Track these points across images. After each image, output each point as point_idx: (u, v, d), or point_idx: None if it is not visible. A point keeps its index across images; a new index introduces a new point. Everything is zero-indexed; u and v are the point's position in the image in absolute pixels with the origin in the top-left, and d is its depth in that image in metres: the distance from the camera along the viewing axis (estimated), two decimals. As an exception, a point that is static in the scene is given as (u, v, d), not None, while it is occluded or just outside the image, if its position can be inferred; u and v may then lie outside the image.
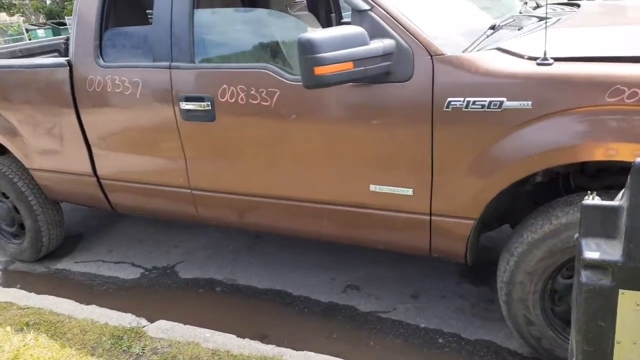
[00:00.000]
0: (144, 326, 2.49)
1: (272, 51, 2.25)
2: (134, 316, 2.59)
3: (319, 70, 1.66)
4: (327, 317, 2.53)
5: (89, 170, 2.78)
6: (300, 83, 1.84)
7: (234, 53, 2.34)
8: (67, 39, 4.08)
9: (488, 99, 1.70)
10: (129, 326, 2.48)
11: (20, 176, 3.07)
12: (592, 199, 1.25)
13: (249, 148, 2.24)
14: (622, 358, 1.26)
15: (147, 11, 2.88)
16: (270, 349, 2.25)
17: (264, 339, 2.38)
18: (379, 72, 1.79)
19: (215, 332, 2.40)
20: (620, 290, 1.23)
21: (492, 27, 1.97)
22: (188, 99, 2.28)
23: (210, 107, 2.23)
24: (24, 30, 19.84)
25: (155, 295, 2.87)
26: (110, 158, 2.69)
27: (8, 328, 2.52)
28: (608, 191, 1.65)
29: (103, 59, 2.54)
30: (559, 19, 2.27)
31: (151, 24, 2.43)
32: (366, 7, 1.87)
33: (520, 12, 2.38)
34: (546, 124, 1.64)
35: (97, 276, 3.12)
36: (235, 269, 3.03)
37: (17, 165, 3.08)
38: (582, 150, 1.61)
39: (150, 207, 2.77)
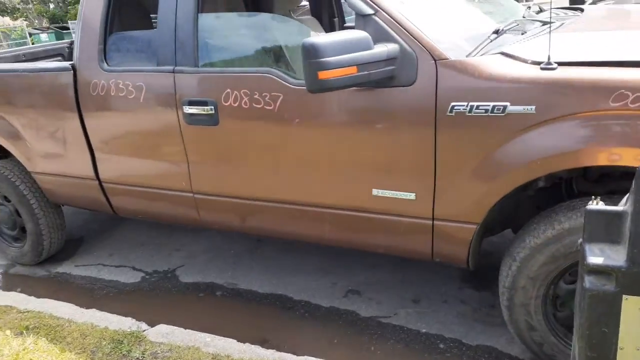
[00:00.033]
0: (144, 330, 2.48)
1: (275, 55, 2.25)
2: (134, 320, 2.58)
3: (323, 75, 1.66)
4: (328, 321, 2.52)
5: (92, 173, 2.78)
6: (304, 87, 1.84)
7: (237, 57, 2.35)
8: (71, 43, 4.09)
9: (492, 104, 1.70)
10: (129, 330, 2.48)
11: (23, 179, 3.07)
12: (596, 204, 1.25)
13: (252, 152, 2.24)
14: (625, 364, 1.26)
15: (151, 15, 2.89)
16: (270, 354, 2.24)
17: (264, 343, 2.37)
18: (383, 77, 1.80)
19: (216, 336, 2.39)
20: (624, 296, 1.23)
21: (496, 32, 1.98)
22: (191, 103, 2.28)
23: (213, 111, 2.23)
24: (27, 35, 19.95)
25: (155, 299, 2.86)
26: (112, 162, 2.69)
27: (8, 332, 2.51)
28: (611, 196, 1.65)
29: (107, 63, 2.54)
30: (563, 24, 2.28)
31: (155, 28, 2.44)
32: (370, 11, 1.87)
33: (524, 17, 2.39)
34: (550, 129, 1.64)
35: (97, 280, 3.12)
36: (236, 273, 3.02)
37: (19, 169, 3.08)
38: (585, 155, 1.62)
39: (152, 210, 2.77)
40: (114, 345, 2.37)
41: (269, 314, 2.62)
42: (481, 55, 1.83)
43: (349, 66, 1.69)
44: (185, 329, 2.47)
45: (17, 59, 3.70)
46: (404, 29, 1.83)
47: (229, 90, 2.18)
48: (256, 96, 2.12)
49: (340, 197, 2.13)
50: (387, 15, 1.86)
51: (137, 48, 2.57)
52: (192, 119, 2.31)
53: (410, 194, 1.97)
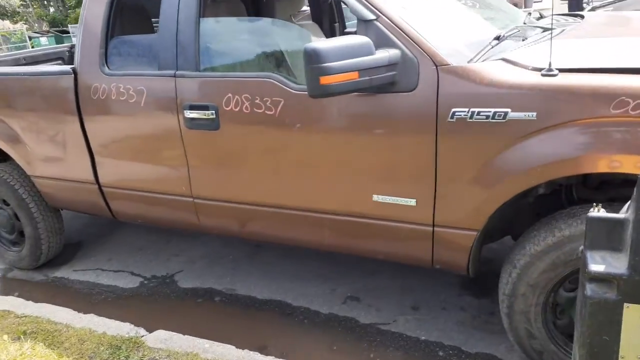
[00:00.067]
0: (142, 336, 2.47)
1: (276, 60, 2.26)
2: (132, 326, 2.57)
3: (325, 80, 1.67)
4: (327, 328, 2.51)
5: (91, 177, 2.78)
6: (305, 92, 1.84)
7: (238, 62, 2.36)
8: (72, 47, 4.10)
9: (493, 110, 1.70)
10: (127, 336, 2.47)
11: (22, 183, 3.07)
12: (598, 212, 1.24)
13: (252, 157, 2.24)
14: (626, 372, 1.25)
15: (153, 20, 2.90)
16: (269, 360, 2.23)
17: (263, 349, 2.36)
18: (384, 82, 1.80)
19: (214, 342, 2.38)
20: (625, 304, 1.23)
21: (497, 38, 1.99)
22: (192, 108, 2.28)
23: (214, 116, 2.23)
24: (27, 38, 20.01)
25: (154, 304, 2.85)
26: (112, 166, 2.69)
27: (5, 337, 2.50)
28: (611, 203, 1.65)
29: (108, 67, 2.55)
30: (564, 30, 2.28)
31: (156, 32, 2.44)
32: (372, 17, 1.88)
33: (525, 23, 2.40)
34: (550, 135, 1.64)
35: (95, 285, 3.11)
36: (234, 278, 3.01)
37: (18, 172, 3.08)
38: (585, 162, 1.61)
39: (151, 215, 2.76)
40: (112, 350, 2.35)
41: (267, 320, 2.61)
42: (482, 61, 1.83)
43: (350, 71, 1.69)
44: (184, 334, 2.46)
45: (17, 62, 3.70)
46: (406, 35, 1.84)
47: (230, 94, 2.18)
48: (257, 101, 2.12)
49: (341, 202, 2.12)
50: (388, 21, 1.86)
51: (138, 52, 2.57)
52: (192, 123, 2.31)
53: (411, 200, 1.96)
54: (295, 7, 3.35)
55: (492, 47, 1.93)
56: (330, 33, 3.69)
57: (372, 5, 1.90)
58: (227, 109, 2.20)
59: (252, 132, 2.19)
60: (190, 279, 3.06)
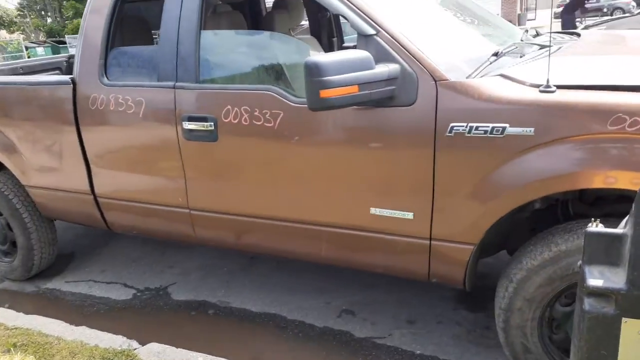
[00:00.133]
0: (135, 349, 2.44)
1: (275, 73, 2.27)
2: (125, 338, 2.54)
3: (325, 93, 1.68)
4: (322, 342, 2.49)
5: (87, 188, 2.76)
6: (305, 105, 1.85)
7: (238, 74, 2.37)
8: (69, 57, 4.10)
9: (491, 125, 1.72)
10: (119, 348, 2.44)
11: (16, 193, 3.04)
12: (596, 227, 1.25)
13: (250, 169, 2.24)
14: (624, 387, 1.25)
15: (153, 32, 2.92)
16: (264, 374, 2.22)
17: (257, 363, 2.35)
18: (384, 96, 1.82)
19: (208, 355, 2.36)
20: (624, 319, 1.23)
21: (495, 54, 2.01)
22: (191, 119, 2.29)
23: (213, 127, 2.24)
24: (24, 48, 20.01)
25: (147, 317, 2.82)
26: (108, 176, 2.68)
27: (-5, 348, 2.46)
28: (607, 219, 1.67)
29: (107, 78, 2.55)
30: (560, 47, 2.32)
31: (156, 44, 2.45)
32: (372, 32, 1.90)
33: (522, 40, 2.44)
34: (548, 151, 1.67)
35: (88, 296, 3.07)
36: (229, 291, 2.99)
37: (13, 182, 3.05)
38: (582, 178, 1.63)
39: (146, 226, 2.74)
40: (104, 363, 2.32)
41: (262, 333, 2.59)
42: (481, 77, 1.86)
43: (350, 85, 1.71)
44: (177, 347, 2.43)
45: (14, 71, 3.70)
46: (405, 50, 1.86)
47: (229, 106, 2.19)
48: (256, 113, 2.13)
49: (338, 215, 2.13)
50: (388, 36, 1.89)
51: (138, 63, 2.58)
52: (191, 134, 2.31)
53: (409, 213, 1.97)
54: (294, 21, 3.38)
55: (491, 63, 1.96)
56: (328, 47, 3.73)
57: (372, 20, 1.92)
58: (226, 120, 2.20)
59: (251, 144, 2.19)
60: (184, 291, 3.03)
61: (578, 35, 2.76)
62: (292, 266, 3.15)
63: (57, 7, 29.81)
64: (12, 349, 2.46)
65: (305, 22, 3.92)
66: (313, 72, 1.68)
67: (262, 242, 2.41)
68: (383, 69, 1.80)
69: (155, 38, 2.83)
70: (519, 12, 24.72)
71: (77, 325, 2.71)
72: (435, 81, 1.82)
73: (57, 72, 3.95)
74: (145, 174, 2.56)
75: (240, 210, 2.36)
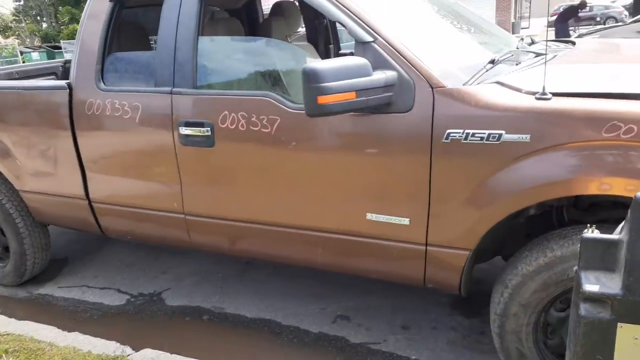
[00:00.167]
0: (128, 355, 2.43)
1: (272, 79, 2.28)
2: (118, 344, 2.53)
3: (322, 100, 1.69)
4: (317, 347, 2.49)
5: (81, 193, 2.75)
6: (302, 111, 1.86)
7: (235, 80, 2.37)
8: (65, 62, 4.09)
9: (487, 132, 1.74)
10: (113, 355, 2.42)
11: (9, 198, 3.02)
12: (592, 232, 1.27)
13: (247, 174, 2.24)
14: (620, 392, 1.26)
15: (150, 37, 2.92)
16: (259, 380, 2.21)
17: (253, 369, 2.34)
18: (381, 103, 1.83)
19: (203, 361, 2.35)
20: (619, 324, 1.24)
21: (492, 62, 2.03)
22: (188, 124, 2.29)
23: (210, 133, 2.24)
24: (19, 53, 19.95)
25: (141, 322, 2.80)
26: (103, 181, 2.67)
27: (-13, 354, 2.44)
28: (601, 225, 1.68)
29: (104, 83, 2.55)
30: (556, 56, 2.35)
31: (153, 50, 2.46)
32: (369, 39, 1.92)
33: (517, 48, 2.46)
34: (543, 158, 1.68)
35: (81, 302, 3.05)
36: (223, 296, 2.98)
37: (6, 187, 3.03)
38: (576, 184, 1.65)
39: (141, 231, 2.73)
40: (97, 369, 2.30)
41: (256, 339, 2.58)
42: (477, 84, 1.88)
43: (348, 92, 1.72)
44: (171, 354, 2.42)
45: (10, 76, 3.68)
46: (402, 57, 1.88)
47: (226, 112, 2.19)
48: (253, 119, 2.14)
49: (335, 220, 2.13)
50: (386, 43, 1.90)
51: (135, 69, 2.58)
52: (187, 140, 2.31)
53: (405, 219, 1.98)
54: (291, 28, 3.39)
55: (487, 71, 1.98)
56: (325, 54, 3.75)
57: (369, 28, 1.94)
58: (223, 126, 2.21)
59: (248, 149, 2.20)
60: (178, 296, 3.02)
61: (573, 43, 2.79)
62: (287, 272, 3.15)
63: (52, 13, 29.80)
64: (3, 355, 2.43)
65: (302, 29, 3.94)
66: (311, 78, 1.69)
67: (258, 247, 2.41)
68: (380, 76, 1.81)
69: (152, 44, 2.83)
70: (513, 20, 24.99)
71: (69, 331, 2.69)
72: (432, 88, 1.84)
73: (53, 77, 3.94)
74: (141, 179, 2.55)
75: (236, 215, 2.36)
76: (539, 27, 24.34)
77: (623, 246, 1.21)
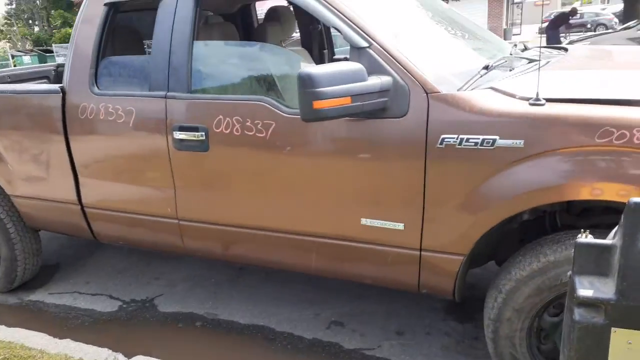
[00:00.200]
0: (121, 361, 2.41)
1: (267, 84, 2.28)
2: (110, 351, 2.51)
3: (318, 104, 1.69)
4: (311, 353, 2.48)
5: (74, 198, 2.73)
6: (297, 116, 1.86)
7: (230, 85, 2.37)
8: (58, 66, 4.07)
9: (481, 137, 1.75)
10: (105, 361, 2.40)
11: (0, 203, 2.99)
12: (586, 238, 1.28)
13: (241, 179, 2.24)
14: (614, 396, 1.27)
15: (144, 42, 2.91)
16: (253, 387, 2.19)
17: (246, 375, 2.32)
18: (376, 108, 1.84)
19: (196, 368, 2.34)
20: (613, 328, 1.25)
21: (486, 68, 2.05)
22: (182, 129, 2.28)
23: (204, 137, 2.23)
24: (10, 56, 19.82)
25: (133, 329, 2.78)
26: (96, 186, 2.65)
27: (-24, 362, 2.41)
28: (594, 230, 1.69)
29: (98, 87, 2.54)
30: (549, 62, 2.37)
31: (148, 54, 2.45)
32: (365, 44, 1.93)
33: (511, 54, 2.48)
34: (536, 163, 1.69)
35: (72, 308, 3.02)
36: (216, 302, 2.96)
37: (-3, 192, 3.01)
38: (569, 190, 1.66)
39: (134, 237, 2.71)
40: (89, 376, 2.28)
41: (250, 346, 2.57)
42: (472, 89, 1.89)
43: (343, 97, 1.73)
44: (164, 360, 2.41)
45: (2, 80, 3.66)
46: (398, 62, 1.88)
47: (221, 116, 2.19)
48: (248, 123, 2.13)
49: (329, 225, 2.13)
50: (381, 49, 1.91)
51: (129, 73, 2.57)
52: (181, 144, 2.30)
53: (399, 224, 1.98)
54: (286, 33, 3.40)
55: (481, 77, 1.99)
56: (319, 59, 3.76)
57: (365, 33, 1.94)
58: (218, 130, 2.20)
59: (242, 154, 2.19)
60: (171, 303, 3.00)
61: (565, 50, 2.81)
62: (281, 277, 3.14)
63: (44, 16, 29.70)
64: (-7, 362, 2.41)
65: (296, 34, 3.95)
66: (306, 83, 1.69)
67: (253, 252, 2.40)
68: (375, 81, 1.81)
69: (147, 48, 2.82)
70: (504, 26, 25.21)
71: (61, 338, 2.66)
72: (427, 93, 1.84)
73: (45, 80, 3.92)
74: (134, 184, 2.54)
75: (230, 220, 2.35)
76: (530, 33, 24.56)
77: (617, 251, 1.22)
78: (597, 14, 27.69)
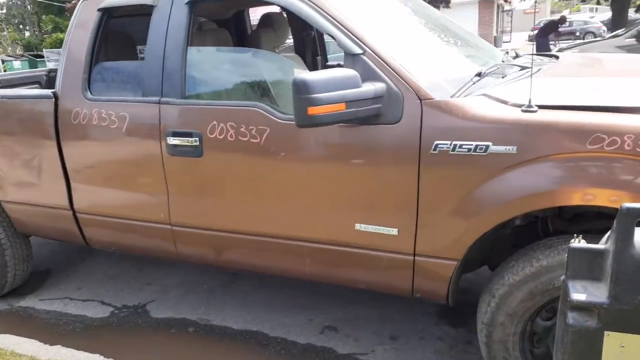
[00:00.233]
0: (113, 368, 2.39)
1: (261, 90, 2.29)
2: (102, 357, 2.50)
3: (312, 110, 1.70)
4: (304, 359, 2.47)
5: (66, 203, 2.71)
6: (291, 122, 1.87)
7: (224, 90, 2.37)
8: (49, 71, 4.05)
9: (474, 143, 1.76)
10: (96, 368, 2.38)
11: (-10, 209, 2.97)
12: (579, 242, 1.29)
13: (235, 184, 2.24)
14: (607, 400, 1.28)
15: (138, 47, 2.91)
16: (246, 393, 2.18)
17: (240, 381, 2.31)
18: (370, 114, 1.85)
19: (188, 374, 2.33)
20: (606, 332, 1.27)
21: (478, 74, 2.06)
22: (176, 134, 2.28)
23: (198, 143, 2.23)
24: (0, 61, 19.66)
25: (125, 335, 2.76)
26: (88, 192, 2.63)
27: (-35, 369, 2.38)
28: (585, 235, 1.71)
29: (91, 92, 2.53)
30: (540, 69, 2.39)
31: (141, 60, 2.45)
32: (359, 51, 1.94)
33: (503, 61, 2.51)
34: (529, 169, 1.71)
35: (63, 314, 2.99)
36: (209, 308, 2.95)
37: (-13, 197, 2.97)
38: (561, 195, 1.68)
39: (126, 242, 2.70)
40: (80, 383, 2.26)
41: (243, 352, 2.56)
42: (465, 96, 1.91)
43: (337, 103, 1.74)
44: (157, 366, 2.39)
45: (-7, 85, 3.63)
46: (391, 69, 1.90)
47: (215, 122, 2.19)
48: (242, 129, 2.14)
49: (323, 231, 2.13)
50: (375, 55, 1.92)
51: (122, 78, 2.57)
52: (175, 150, 2.30)
53: (393, 229, 1.99)
54: (280, 39, 3.42)
55: (474, 83, 2.01)
56: (312, 66, 3.77)
57: (359, 40, 1.96)
58: (212, 136, 2.20)
59: (236, 159, 2.19)
60: (163, 308, 2.98)
61: (556, 57, 2.85)
62: (274, 282, 3.13)
63: (35, 21, 29.53)
64: (-17, 369, 2.38)
65: (289, 40, 3.96)
66: (301, 89, 1.70)
67: (246, 258, 2.40)
68: (370, 88, 1.83)
69: (140, 54, 2.82)
70: (495, 34, 25.47)
71: (51, 344, 2.64)
72: (420, 100, 1.86)
73: (37, 85, 3.89)
74: (127, 190, 2.53)
75: (224, 226, 2.34)
76: (520, 41, 24.85)
77: (609, 256, 1.23)
78: (585, 22, 28.09)
